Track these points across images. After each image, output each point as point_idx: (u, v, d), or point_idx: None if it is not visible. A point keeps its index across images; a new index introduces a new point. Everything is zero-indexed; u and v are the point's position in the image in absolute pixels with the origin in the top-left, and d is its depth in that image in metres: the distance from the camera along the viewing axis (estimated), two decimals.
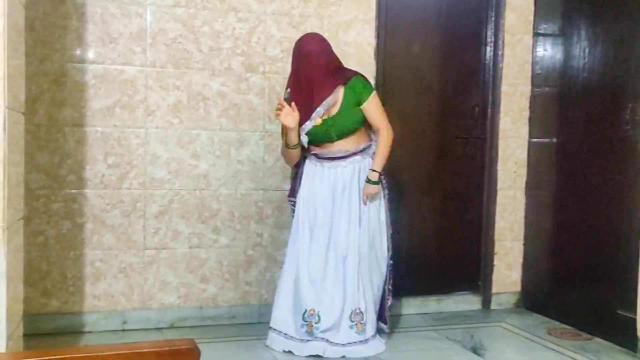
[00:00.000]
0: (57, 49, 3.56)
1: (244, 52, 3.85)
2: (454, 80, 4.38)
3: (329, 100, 3.35)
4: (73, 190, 3.63)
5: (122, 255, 3.72)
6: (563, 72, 4.18)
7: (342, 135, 3.43)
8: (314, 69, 3.34)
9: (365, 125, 3.51)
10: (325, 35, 3.94)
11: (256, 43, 3.87)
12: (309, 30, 3.89)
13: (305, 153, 3.55)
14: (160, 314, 3.78)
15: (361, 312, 3.42)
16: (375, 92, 3.49)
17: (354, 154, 3.47)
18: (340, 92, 3.39)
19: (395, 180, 4.22)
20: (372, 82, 4.03)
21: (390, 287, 3.61)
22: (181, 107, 3.77)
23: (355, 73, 3.48)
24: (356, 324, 3.42)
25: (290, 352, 3.38)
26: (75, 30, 3.59)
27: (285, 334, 3.43)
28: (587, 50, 3.98)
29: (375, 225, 3.51)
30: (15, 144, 2.22)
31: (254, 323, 3.91)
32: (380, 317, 3.61)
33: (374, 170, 3.44)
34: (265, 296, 3.95)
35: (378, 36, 4.09)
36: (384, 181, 3.53)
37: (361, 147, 3.49)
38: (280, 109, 3.30)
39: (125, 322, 3.74)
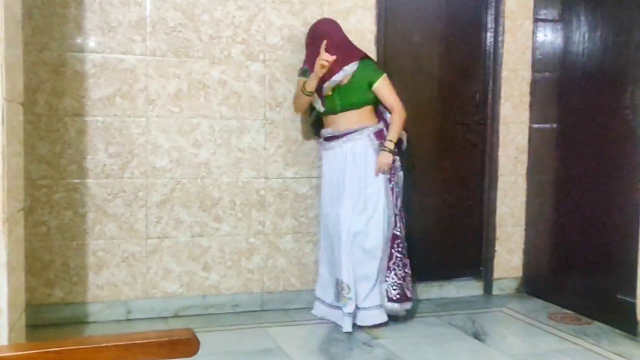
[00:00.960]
0: (56, 38, 3.56)
1: (244, 40, 3.84)
2: (454, 66, 4.37)
3: (339, 75, 3.56)
4: (74, 180, 3.64)
5: (125, 244, 3.74)
6: (563, 57, 4.17)
7: (345, 107, 3.62)
8: (329, 45, 3.49)
9: (373, 106, 3.71)
10: None
11: (256, 31, 3.86)
12: (309, 18, 3.90)
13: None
14: (163, 302, 3.81)
15: (345, 285, 3.58)
16: (385, 75, 3.68)
17: (349, 133, 3.63)
18: (353, 68, 3.59)
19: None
20: None
21: (392, 264, 3.67)
22: (182, 96, 3.77)
23: (368, 56, 3.72)
24: (342, 297, 3.61)
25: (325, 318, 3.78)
26: (74, 19, 3.58)
27: (323, 301, 3.81)
28: (587, 35, 3.96)
29: (374, 204, 3.62)
30: (15, 135, 2.23)
31: (256, 310, 3.94)
32: (382, 294, 3.68)
33: (389, 140, 3.60)
34: (268, 284, 3.97)
35: (378, 23, 4.08)
36: (396, 163, 3.68)
37: (356, 127, 3.63)
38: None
39: (129, 312, 3.76)
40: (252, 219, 3.93)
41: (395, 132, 3.64)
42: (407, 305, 3.72)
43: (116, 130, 3.68)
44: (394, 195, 3.68)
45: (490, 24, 4.37)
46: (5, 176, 2.07)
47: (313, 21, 3.91)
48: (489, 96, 4.39)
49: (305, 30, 3.85)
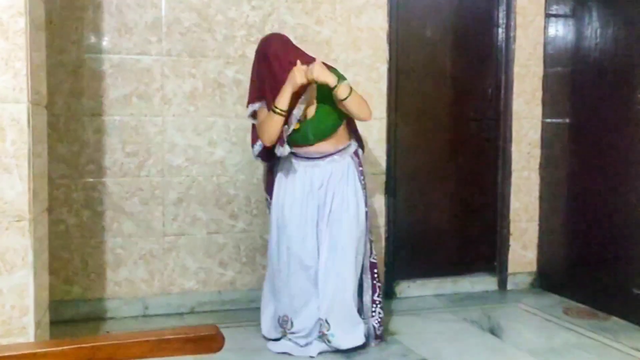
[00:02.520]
0: (74, 40, 3.61)
1: (258, 40, 3.86)
2: (466, 62, 4.39)
3: (302, 99, 3.16)
4: (92, 179, 3.69)
5: (142, 242, 3.79)
6: (575, 52, 4.18)
7: (320, 137, 3.24)
8: (278, 70, 3.13)
9: (344, 122, 3.31)
10: (338, 21, 3.98)
11: (270, 30, 3.88)
12: (323, 17, 3.93)
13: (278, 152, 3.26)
14: (180, 298, 3.86)
15: (326, 322, 3.23)
16: (347, 81, 3.16)
17: (332, 154, 3.27)
18: (313, 90, 3.19)
19: (410, 162, 4.26)
20: (385, 66, 4.08)
21: (376, 297, 3.37)
22: (197, 95, 3.81)
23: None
24: (322, 335, 3.26)
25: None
26: (92, 22, 3.63)
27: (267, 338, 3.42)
28: (598, 30, 3.97)
29: (350, 228, 3.25)
30: (38, 137, 2.28)
31: None
32: (370, 331, 3.36)
33: (344, 84, 3.09)
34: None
35: (390, 20, 4.10)
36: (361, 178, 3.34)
37: (340, 147, 3.29)
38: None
39: (146, 308, 3.81)
40: (267, 215, 3.96)
41: (356, 96, 3.12)
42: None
43: (133, 129, 3.72)
44: (367, 219, 3.35)
45: (502, 20, 4.39)
46: (31, 178, 2.12)
47: (326, 20, 3.95)
48: (502, 91, 4.41)
49: (319, 28, 3.88)
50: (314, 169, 3.27)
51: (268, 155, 3.33)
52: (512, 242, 4.48)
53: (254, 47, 3.82)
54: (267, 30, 3.88)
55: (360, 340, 3.26)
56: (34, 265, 2.13)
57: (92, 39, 3.64)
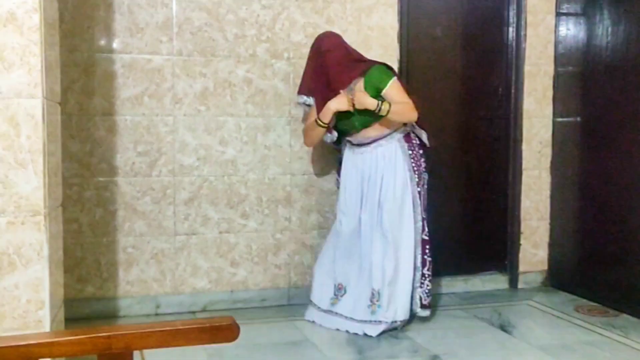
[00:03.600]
0: (85, 39, 3.64)
1: (269, 39, 3.90)
2: (477, 61, 4.39)
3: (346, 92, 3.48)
4: (104, 179, 3.71)
5: (154, 241, 3.81)
6: (586, 51, 4.17)
7: (365, 124, 3.53)
8: (330, 65, 3.50)
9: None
10: (348, 20, 3.99)
11: (280, 29, 3.91)
12: (333, 16, 3.95)
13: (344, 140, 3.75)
14: (192, 298, 3.87)
15: (377, 292, 3.49)
16: (395, 78, 3.52)
17: (378, 139, 3.56)
18: (359, 84, 3.49)
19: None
20: (396, 65, 4.07)
21: (426, 271, 3.61)
22: (208, 95, 3.83)
23: (374, 63, 3.56)
24: (371, 305, 3.50)
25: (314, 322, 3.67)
26: (103, 21, 3.66)
27: (318, 307, 3.69)
28: (610, 29, 3.97)
29: (399, 209, 3.52)
30: (53, 134, 2.30)
31: (283, 305, 3.99)
32: (415, 301, 3.60)
33: (386, 102, 3.41)
34: (295, 279, 4.02)
35: (400, 20, 4.11)
36: (422, 167, 3.61)
37: (386, 132, 3.55)
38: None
39: (158, 307, 3.83)
40: (279, 215, 3.98)
41: (395, 110, 3.42)
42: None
43: (144, 129, 3.75)
44: (422, 199, 3.61)
45: (513, 19, 4.39)
46: (47, 173, 2.14)
47: (337, 19, 3.96)
48: (512, 90, 4.41)
49: (328, 27, 3.89)
50: (363, 155, 3.60)
51: (336, 141, 3.77)
52: (523, 240, 4.47)
53: (265, 46, 3.88)
54: (278, 29, 3.90)
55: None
56: (49, 260, 2.15)
57: (104, 39, 3.67)
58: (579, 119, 4.27)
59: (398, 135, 3.57)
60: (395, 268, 3.49)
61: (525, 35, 4.34)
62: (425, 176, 3.65)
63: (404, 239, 3.53)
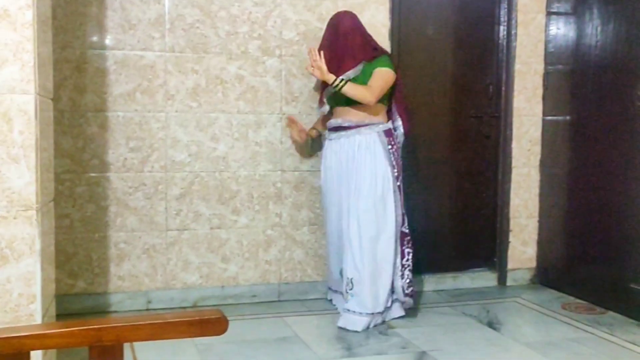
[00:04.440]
0: (78, 36, 3.65)
1: (261, 36, 3.92)
2: (468, 59, 4.43)
3: (348, 73, 3.52)
4: (96, 174, 3.73)
5: (145, 236, 3.83)
6: (576, 50, 4.21)
7: (349, 101, 3.53)
8: (346, 40, 3.56)
9: (382, 104, 3.60)
10: None
11: (272, 27, 3.93)
12: (325, 13, 3.96)
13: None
14: (183, 293, 3.89)
15: (351, 281, 3.55)
16: (388, 69, 3.55)
17: (358, 126, 3.57)
18: (356, 72, 3.56)
19: (411, 159, 4.30)
20: None
21: (405, 262, 3.64)
22: (200, 91, 3.85)
23: (383, 53, 3.65)
24: (346, 294, 3.58)
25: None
26: (96, 17, 3.67)
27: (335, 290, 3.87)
28: (599, 28, 4.01)
29: (381, 202, 3.53)
30: (45, 130, 2.31)
31: (274, 301, 4.02)
32: (397, 291, 3.65)
33: (341, 78, 3.46)
34: (285, 275, 4.05)
35: (392, 17, 4.14)
36: (400, 163, 3.64)
37: (366, 121, 3.57)
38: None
39: (149, 302, 3.85)
40: (270, 211, 4.01)
41: (352, 88, 3.46)
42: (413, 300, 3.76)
43: (136, 125, 3.76)
44: (401, 194, 3.62)
45: (503, 17, 4.42)
46: (39, 167, 2.15)
47: (328, 16, 3.96)
48: (502, 89, 4.44)
49: (321, 25, 3.91)
50: (340, 140, 3.62)
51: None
52: (511, 238, 4.51)
53: (257, 43, 3.90)
54: (270, 26, 3.92)
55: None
56: (41, 254, 2.17)
57: (96, 35, 3.68)
58: (568, 117, 4.31)
59: (379, 128, 3.58)
60: (374, 260, 3.53)
61: (515, 34, 4.38)
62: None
63: (387, 231, 3.55)
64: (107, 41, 3.70)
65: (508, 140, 4.44)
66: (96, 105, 3.70)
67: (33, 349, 1.33)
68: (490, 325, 3.67)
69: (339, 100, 3.59)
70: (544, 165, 4.49)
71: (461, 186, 4.49)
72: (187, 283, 3.90)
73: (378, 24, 4.10)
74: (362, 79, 3.53)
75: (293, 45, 3.96)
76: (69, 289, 3.72)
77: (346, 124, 3.60)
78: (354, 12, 4.01)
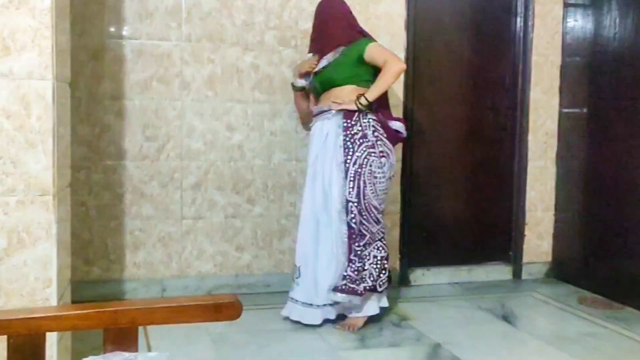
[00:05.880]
0: (95, 24, 3.66)
1: (277, 26, 3.91)
2: (484, 51, 4.40)
3: (328, 56, 3.46)
4: (113, 162, 3.75)
5: (161, 224, 3.84)
6: (593, 42, 4.17)
7: (325, 86, 3.48)
8: (329, 31, 3.49)
9: (355, 87, 3.41)
10: (356, 9, 3.98)
11: (288, 17, 3.92)
12: None
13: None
14: (197, 281, 3.91)
15: (297, 269, 3.49)
16: (375, 42, 3.46)
17: (327, 111, 3.44)
18: (336, 55, 3.46)
19: (427, 151, 4.28)
20: (403, 54, 4.09)
21: (352, 257, 3.38)
22: (216, 80, 3.85)
23: (366, 36, 3.53)
24: (293, 281, 3.51)
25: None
26: (113, 6, 3.68)
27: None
28: (617, 20, 3.96)
29: (325, 187, 3.41)
30: (63, 116, 2.33)
31: (287, 291, 4.00)
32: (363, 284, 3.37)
33: (364, 96, 3.31)
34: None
35: (408, 8, 4.12)
36: (391, 154, 3.45)
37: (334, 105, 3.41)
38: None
39: (164, 290, 3.87)
40: (284, 200, 4.01)
41: (376, 88, 3.31)
42: (357, 300, 3.35)
43: (153, 113, 3.78)
44: (352, 181, 3.32)
45: (521, 9, 4.39)
46: (56, 153, 2.17)
47: None
48: (519, 81, 4.41)
49: None
50: (314, 125, 3.53)
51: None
52: (527, 231, 4.49)
53: (273, 33, 3.90)
54: (286, 17, 3.92)
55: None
56: (57, 240, 2.18)
57: (113, 24, 3.70)
58: (585, 110, 4.27)
59: (351, 115, 3.37)
60: (316, 247, 3.45)
61: (533, 25, 4.34)
62: (384, 161, 3.39)
63: (327, 219, 3.40)
64: (125, 30, 3.71)
65: (524, 132, 4.41)
66: (113, 94, 3.71)
67: (49, 331, 1.34)
68: (505, 318, 3.65)
69: (314, 87, 3.58)
70: (560, 158, 4.45)
71: (477, 178, 4.46)
72: (201, 271, 3.92)
73: (394, 15, 4.08)
74: (344, 61, 3.42)
75: (309, 35, 3.93)
76: (85, 275, 3.74)
77: (325, 108, 3.46)
78: (370, 3, 4.01)
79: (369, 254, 3.39)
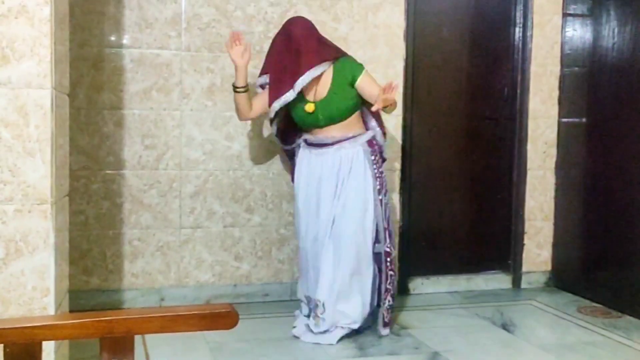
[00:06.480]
0: (95, 34, 3.68)
1: None
2: (483, 61, 4.41)
3: (314, 70, 3.24)
4: (112, 171, 3.75)
5: (159, 234, 3.84)
6: (592, 52, 4.18)
7: (330, 121, 3.32)
8: (302, 41, 3.27)
9: (359, 112, 3.40)
10: (355, 18, 4.02)
11: None
12: (340, 14, 3.97)
13: (298, 140, 3.54)
14: (196, 291, 3.91)
15: (320, 304, 3.31)
16: (366, 69, 3.35)
17: (341, 140, 3.33)
18: (329, 72, 3.30)
19: (425, 160, 4.29)
20: (402, 63, 4.11)
21: (388, 286, 3.40)
22: (215, 90, 3.86)
23: (345, 54, 3.43)
24: (314, 317, 3.34)
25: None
26: (113, 16, 3.70)
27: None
28: (616, 30, 3.97)
29: (361, 218, 3.32)
30: (61, 125, 2.33)
31: (286, 300, 4.01)
32: (375, 318, 3.46)
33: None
34: (297, 274, 4.04)
35: (407, 18, 4.13)
36: (384, 174, 3.42)
37: (350, 134, 3.34)
38: (235, 42, 3.30)
39: (162, 299, 3.86)
40: (283, 210, 4.01)
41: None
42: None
43: (152, 123, 3.78)
44: (384, 208, 3.37)
45: (519, 19, 4.40)
46: (54, 162, 2.17)
47: (343, 17, 3.99)
48: (518, 91, 4.42)
49: (336, 25, 3.92)
50: (324, 157, 3.36)
51: (285, 138, 3.62)
52: (526, 240, 4.48)
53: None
54: None
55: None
56: (55, 249, 2.18)
57: (113, 34, 3.71)
58: (584, 119, 4.28)
59: (362, 139, 3.36)
60: (350, 279, 3.32)
61: (531, 35, 4.35)
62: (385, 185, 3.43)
63: (365, 248, 3.33)
64: (124, 40, 3.73)
65: (523, 142, 4.42)
66: (112, 103, 3.72)
67: (45, 340, 1.34)
68: (504, 327, 3.65)
69: (314, 121, 3.34)
70: (559, 167, 4.46)
71: (476, 188, 4.47)
72: (200, 281, 3.92)
73: (393, 25, 4.09)
74: (336, 86, 3.28)
75: None
76: (83, 285, 3.74)
77: (328, 141, 3.35)
78: (369, 12, 4.03)
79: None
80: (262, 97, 3.44)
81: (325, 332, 3.33)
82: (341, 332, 3.35)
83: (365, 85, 3.28)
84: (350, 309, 3.34)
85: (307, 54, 3.25)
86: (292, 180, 3.61)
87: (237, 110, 3.47)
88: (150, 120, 3.78)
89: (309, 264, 3.45)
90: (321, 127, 3.35)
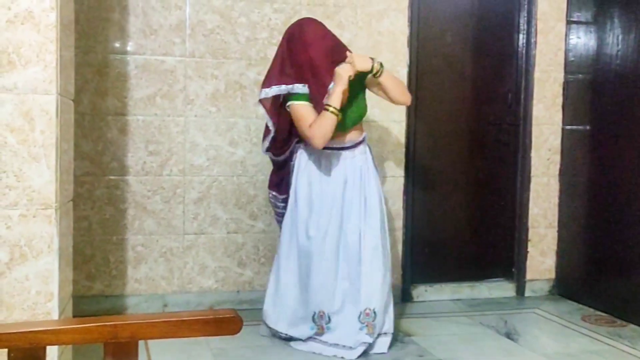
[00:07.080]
0: (100, 41, 3.69)
1: (280, 42, 3.92)
2: (487, 67, 4.41)
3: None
4: (115, 177, 3.76)
5: (163, 240, 3.85)
6: (596, 59, 4.18)
7: (356, 122, 3.30)
8: (323, 56, 3.21)
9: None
10: (359, 25, 4.03)
11: None
12: (343, 21, 3.98)
13: (289, 148, 3.42)
14: (199, 297, 3.90)
15: (373, 312, 3.25)
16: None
17: (359, 143, 3.34)
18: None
19: (429, 167, 4.29)
20: (405, 70, 4.11)
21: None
22: (219, 96, 3.87)
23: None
24: (366, 325, 3.24)
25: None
26: (118, 23, 3.71)
27: (297, 339, 3.36)
28: (620, 37, 3.98)
29: (382, 219, 3.33)
30: (66, 131, 2.34)
31: None
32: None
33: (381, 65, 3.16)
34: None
35: (411, 25, 4.14)
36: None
37: (363, 135, 3.38)
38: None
39: (165, 305, 3.86)
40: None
41: (392, 79, 3.26)
42: None
43: (156, 129, 3.79)
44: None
45: (523, 26, 4.40)
46: (59, 167, 2.18)
47: (347, 24, 3.99)
48: (522, 97, 4.42)
49: (339, 32, 3.92)
50: (346, 161, 3.30)
51: (278, 150, 3.41)
52: (530, 248, 4.47)
53: (276, 49, 3.88)
54: None
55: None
56: (59, 254, 2.18)
57: (118, 40, 3.72)
58: (588, 127, 4.28)
59: (366, 140, 3.41)
60: (388, 282, 3.33)
61: (535, 42, 4.36)
62: None
63: (387, 252, 3.36)
64: (129, 46, 3.74)
65: (527, 148, 4.41)
66: (117, 109, 3.73)
67: (49, 344, 1.34)
68: (508, 335, 3.63)
69: (343, 123, 3.20)
70: (563, 174, 4.45)
71: (479, 195, 4.46)
72: (203, 287, 3.91)
73: (397, 32, 4.10)
74: (352, 87, 3.18)
75: None
76: (86, 290, 3.74)
77: (348, 144, 3.31)
78: (373, 19, 4.04)
79: None
80: (314, 111, 3.19)
81: (345, 347, 3.24)
82: (389, 339, 3.32)
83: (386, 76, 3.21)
84: (391, 315, 3.35)
85: (329, 64, 3.19)
86: (275, 188, 3.49)
87: (327, 134, 3.11)
88: (155, 126, 3.79)
89: (324, 276, 3.28)
90: (346, 132, 3.28)
